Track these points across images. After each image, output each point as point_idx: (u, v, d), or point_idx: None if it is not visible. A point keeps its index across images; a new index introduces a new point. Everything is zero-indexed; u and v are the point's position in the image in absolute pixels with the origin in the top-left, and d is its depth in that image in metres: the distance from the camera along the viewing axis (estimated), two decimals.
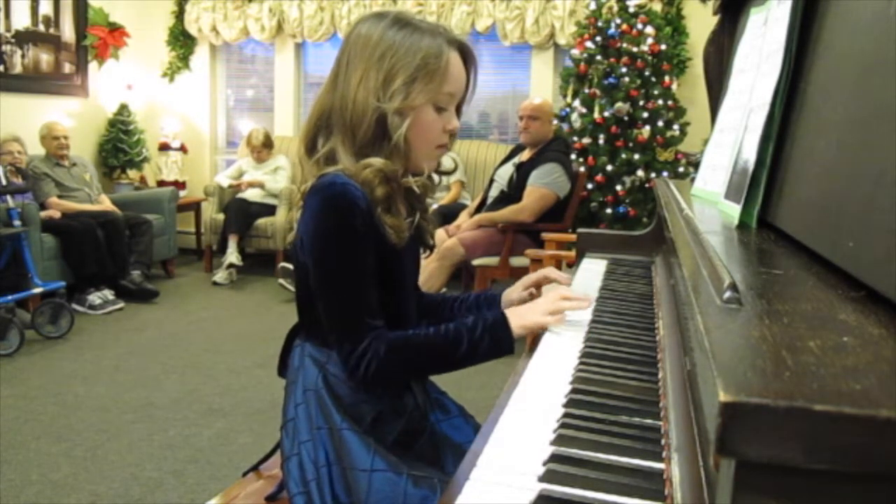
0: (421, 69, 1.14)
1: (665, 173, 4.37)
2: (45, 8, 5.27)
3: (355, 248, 1.11)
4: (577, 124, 4.47)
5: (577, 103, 4.50)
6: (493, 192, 4.19)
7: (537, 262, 3.32)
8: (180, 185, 5.89)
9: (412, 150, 1.17)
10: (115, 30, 5.74)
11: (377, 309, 1.14)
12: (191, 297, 4.81)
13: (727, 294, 0.60)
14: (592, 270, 1.64)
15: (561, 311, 1.18)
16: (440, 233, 4.01)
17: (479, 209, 4.25)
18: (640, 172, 4.38)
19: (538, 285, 1.43)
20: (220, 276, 5.11)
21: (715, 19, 1.77)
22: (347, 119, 1.15)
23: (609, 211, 4.41)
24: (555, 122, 4.39)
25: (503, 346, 1.16)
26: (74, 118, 5.48)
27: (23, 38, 5.12)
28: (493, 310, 1.38)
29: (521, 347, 1.18)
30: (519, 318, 1.17)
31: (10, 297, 3.70)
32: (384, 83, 1.14)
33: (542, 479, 0.70)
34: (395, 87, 1.13)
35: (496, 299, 1.42)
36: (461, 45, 1.20)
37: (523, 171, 4.03)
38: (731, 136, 1.27)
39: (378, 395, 1.17)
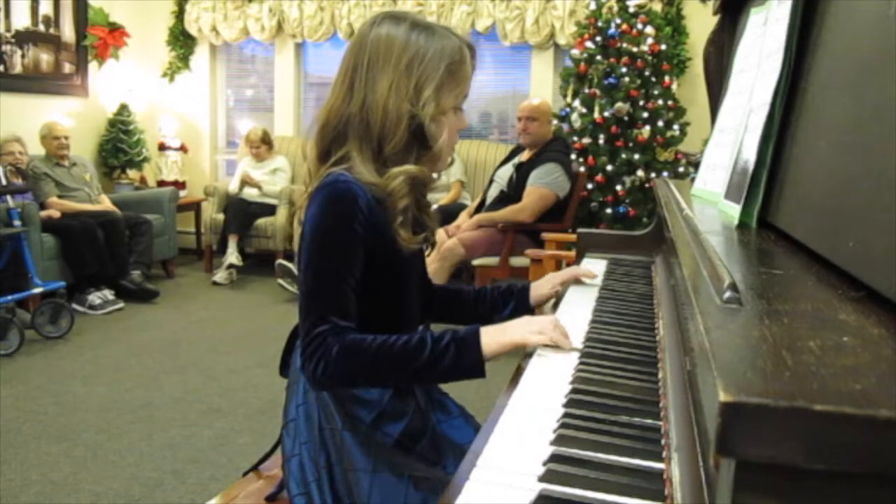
0: (447, 75, 1.14)
1: (665, 173, 4.37)
2: (45, 8, 5.26)
3: (344, 246, 1.10)
4: (577, 124, 4.46)
5: (577, 103, 4.50)
6: (493, 193, 4.19)
7: (537, 262, 3.33)
8: (180, 185, 5.89)
9: (443, 154, 1.18)
10: (115, 30, 5.73)
11: (349, 309, 1.10)
12: (191, 297, 4.80)
13: (727, 294, 0.60)
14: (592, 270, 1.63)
15: (547, 334, 1.08)
16: (440, 233, 4.01)
17: (478, 209, 4.25)
18: (640, 172, 4.38)
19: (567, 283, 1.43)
20: (220, 276, 5.11)
21: (715, 19, 1.77)
22: (376, 128, 1.13)
23: (609, 211, 4.41)
24: (555, 122, 4.39)
25: (469, 362, 1.06)
26: (74, 118, 5.47)
27: (23, 38, 5.11)
28: (519, 305, 1.37)
29: (521, 351, 1.18)
30: (499, 333, 1.08)
31: (10, 297, 3.70)
32: (416, 91, 1.12)
33: (542, 479, 0.70)
34: (426, 94, 1.12)
35: (525, 293, 1.38)
36: (469, 46, 1.20)
37: (523, 172, 4.03)
38: (731, 136, 1.27)
39: (379, 397, 1.17)
